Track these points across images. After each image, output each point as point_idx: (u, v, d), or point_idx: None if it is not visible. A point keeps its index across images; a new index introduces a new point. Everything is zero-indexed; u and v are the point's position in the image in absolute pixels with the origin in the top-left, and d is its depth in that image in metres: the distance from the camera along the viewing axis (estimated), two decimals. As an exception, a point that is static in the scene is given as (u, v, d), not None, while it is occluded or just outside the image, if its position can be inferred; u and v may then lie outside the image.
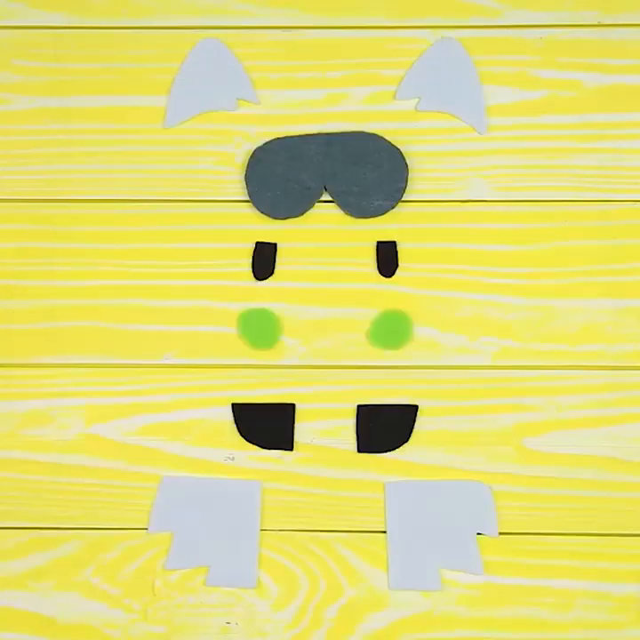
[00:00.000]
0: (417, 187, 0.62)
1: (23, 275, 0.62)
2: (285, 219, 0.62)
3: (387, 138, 0.62)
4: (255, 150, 0.62)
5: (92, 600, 0.60)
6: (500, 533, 0.60)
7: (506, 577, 0.60)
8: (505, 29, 0.63)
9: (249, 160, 0.62)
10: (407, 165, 0.61)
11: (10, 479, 0.61)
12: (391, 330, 0.61)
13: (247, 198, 0.62)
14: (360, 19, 0.63)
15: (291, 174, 0.61)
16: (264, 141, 0.62)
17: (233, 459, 0.60)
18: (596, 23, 0.63)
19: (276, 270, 0.62)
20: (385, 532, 0.59)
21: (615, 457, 0.60)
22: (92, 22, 0.64)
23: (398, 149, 0.61)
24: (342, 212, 0.61)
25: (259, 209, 0.61)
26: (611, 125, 0.63)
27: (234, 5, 0.64)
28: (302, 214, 0.62)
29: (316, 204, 0.62)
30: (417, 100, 0.63)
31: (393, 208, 0.61)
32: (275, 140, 0.62)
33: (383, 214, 0.61)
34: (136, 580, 0.60)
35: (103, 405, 0.61)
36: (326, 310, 0.61)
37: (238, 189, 0.63)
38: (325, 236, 0.62)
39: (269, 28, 0.64)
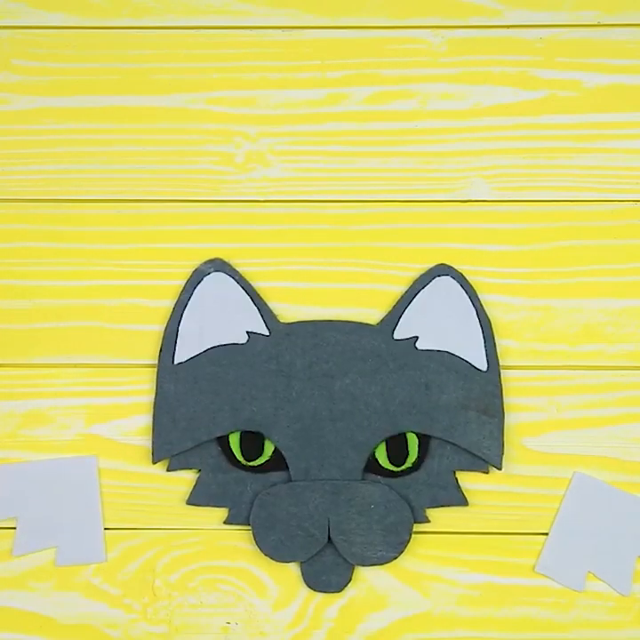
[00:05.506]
0: (417, 187, 0.62)
1: (23, 275, 0.62)
2: (289, 562, 0.59)
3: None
4: (260, 494, 0.59)
5: (92, 600, 0.60)
6: (500, 533, 0.60)
7: (506, 577, 0.60)
8: (505, 29, 0.63)
9: (254, 503, 0.59)
10: (412, 518, 0.59)
11: (10, 479, 0.61)
12: None
13: (247, 198, 0.62)
14: (360, 19, 0.63)
15: (295, 521, 0.58)
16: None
17: None
18: (595, 23, 0.63)
19: (276, 270, 0.62)
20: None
21: (615, 457, 0.60)
22: (91, 22, 0.64)
23: (406, 501, 0.59)
24: (342, 558, 0.58)
25: (262, 551, 0.59)
26: (611, 125, 0.63)
27: (234, 5, 0.64)
28: (307, 560, 0.59)
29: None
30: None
31: (395, 559, 0.59)
32: (281, 485, 0.59)
33: (384, 563, 0.59)
34: (136, 580, 0.60)
35: (103, 405, 0.61)
36: (326, 310, 0.62)
37: (238, 189, 0.63)
38: (325, 236, 0.62)
39: (269, 28, 0.64)
